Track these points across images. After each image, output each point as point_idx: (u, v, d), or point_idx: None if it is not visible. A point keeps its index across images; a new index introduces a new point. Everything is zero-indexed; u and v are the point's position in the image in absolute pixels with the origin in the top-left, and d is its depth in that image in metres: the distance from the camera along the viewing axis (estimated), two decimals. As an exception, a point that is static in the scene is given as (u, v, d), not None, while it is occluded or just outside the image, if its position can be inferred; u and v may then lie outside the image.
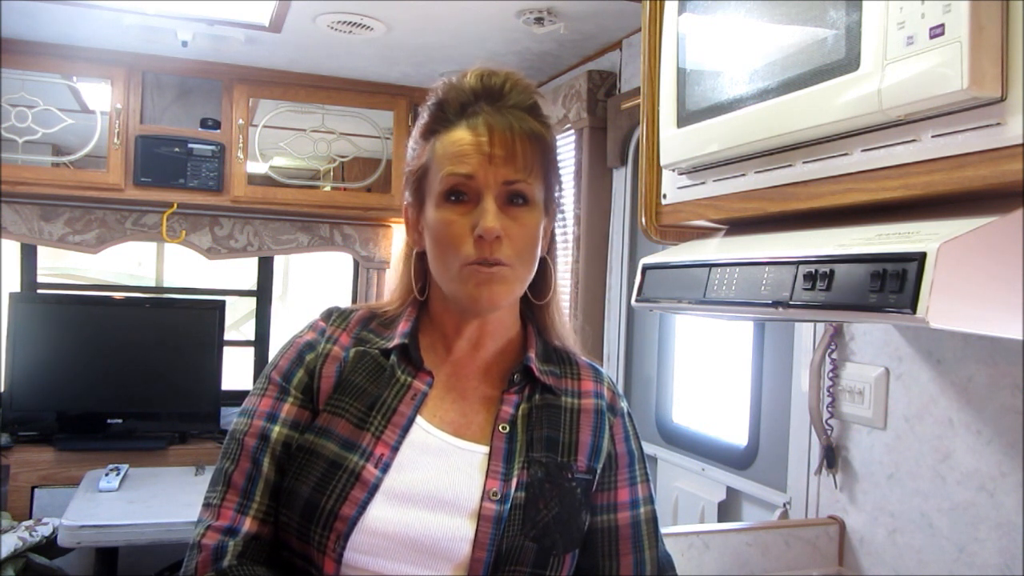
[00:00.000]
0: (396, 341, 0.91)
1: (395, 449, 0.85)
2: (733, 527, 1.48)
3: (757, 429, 1.82)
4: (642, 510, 0.94)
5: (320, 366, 0.90)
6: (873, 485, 1.42)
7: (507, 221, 0.86)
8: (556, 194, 0.95)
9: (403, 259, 0.98)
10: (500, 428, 0.89)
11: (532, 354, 0.94)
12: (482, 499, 0.84)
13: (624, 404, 0.99)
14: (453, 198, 0.87)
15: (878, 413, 1.41)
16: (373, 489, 0.82)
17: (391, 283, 1.01)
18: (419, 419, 0.88)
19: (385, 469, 0.84)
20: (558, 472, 0.88)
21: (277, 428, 0.87)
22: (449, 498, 0.84)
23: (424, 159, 0.91)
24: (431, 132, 0.91)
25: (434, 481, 0.84)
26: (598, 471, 0.92)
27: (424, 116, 0.92)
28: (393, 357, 0.91)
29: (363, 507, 0.81)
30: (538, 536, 0.84)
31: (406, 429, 0.87)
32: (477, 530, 0.82)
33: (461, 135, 0.87)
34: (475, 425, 0.90)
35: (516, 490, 0.85)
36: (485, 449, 0.87)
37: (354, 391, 0.88)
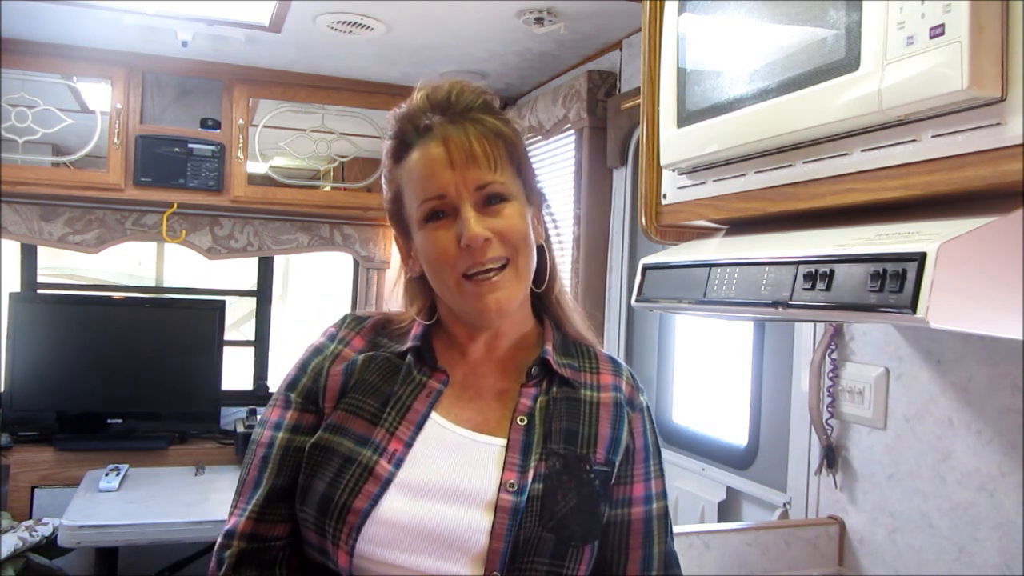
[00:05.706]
0: (409, 344, 0.93)
1: (408, 445, 0.86)
2: (733, 527, 1.48)
3: (757, 429, 1.82)
4: (655, 506, 0.94)
5: (328, 366, 0.92)
6: (873, 485, 1.42)
7: (490, 221, 0.87)
8: (535, 182, 0.96)
9: (402, 284, 1.00)
10: (518, 420, 0.89)
11: (549, 347, 0.94)
12: (499, 490, 0.84)
13: (644, 398, 0.99)
14: (433, 218, 0.88)
15: (878, 413, 1.41)
16: (386, 484, 0.83)
17: (392, 285, 1.02)
18: (434, 415, 0.89)
19: (398, 464, 0.85)
20: (576, 464, 0.88)
21: (281, 435, 0.90)
22: (464, 490, 0.84)
23: (395, 189, 0.94)
24: (395, 160, 0.93)
25: (449, 473, 0.85)
26: (616, 464, 0.92)
27: (385, 147, 0.95)
28: (409, 358, 0.92)
29: (375, 500, 0.82)
30: (556, 527, 0.84)
31: (420, 425, 0.88)
32: (494, 521, 0.83)
33: (421, 154, 0.89)
34: (492, 420, 0.90)
35: (533, 482, 0.85)
36: (502, 441, 0.88)
37: (368, 389, 0.90)
